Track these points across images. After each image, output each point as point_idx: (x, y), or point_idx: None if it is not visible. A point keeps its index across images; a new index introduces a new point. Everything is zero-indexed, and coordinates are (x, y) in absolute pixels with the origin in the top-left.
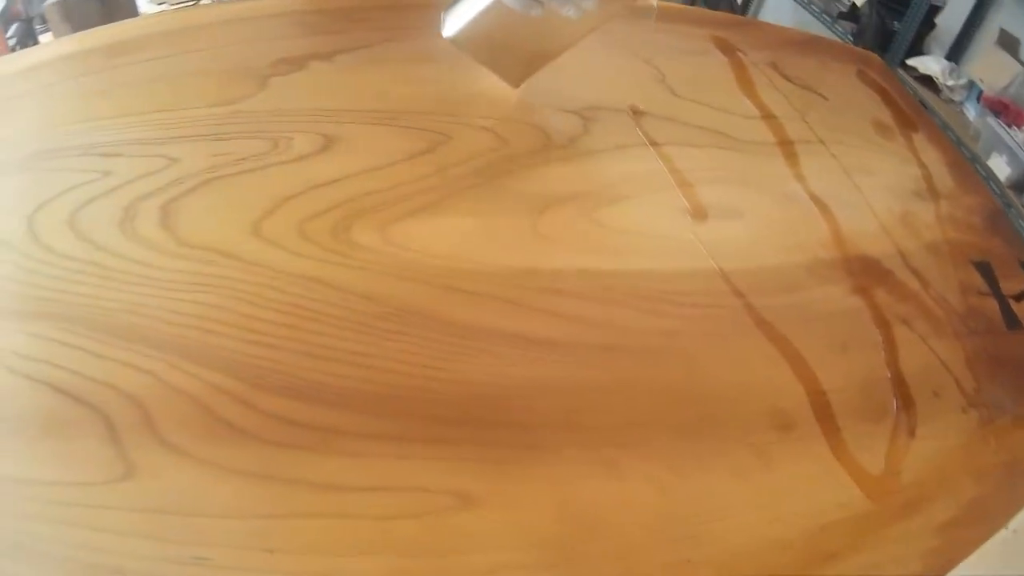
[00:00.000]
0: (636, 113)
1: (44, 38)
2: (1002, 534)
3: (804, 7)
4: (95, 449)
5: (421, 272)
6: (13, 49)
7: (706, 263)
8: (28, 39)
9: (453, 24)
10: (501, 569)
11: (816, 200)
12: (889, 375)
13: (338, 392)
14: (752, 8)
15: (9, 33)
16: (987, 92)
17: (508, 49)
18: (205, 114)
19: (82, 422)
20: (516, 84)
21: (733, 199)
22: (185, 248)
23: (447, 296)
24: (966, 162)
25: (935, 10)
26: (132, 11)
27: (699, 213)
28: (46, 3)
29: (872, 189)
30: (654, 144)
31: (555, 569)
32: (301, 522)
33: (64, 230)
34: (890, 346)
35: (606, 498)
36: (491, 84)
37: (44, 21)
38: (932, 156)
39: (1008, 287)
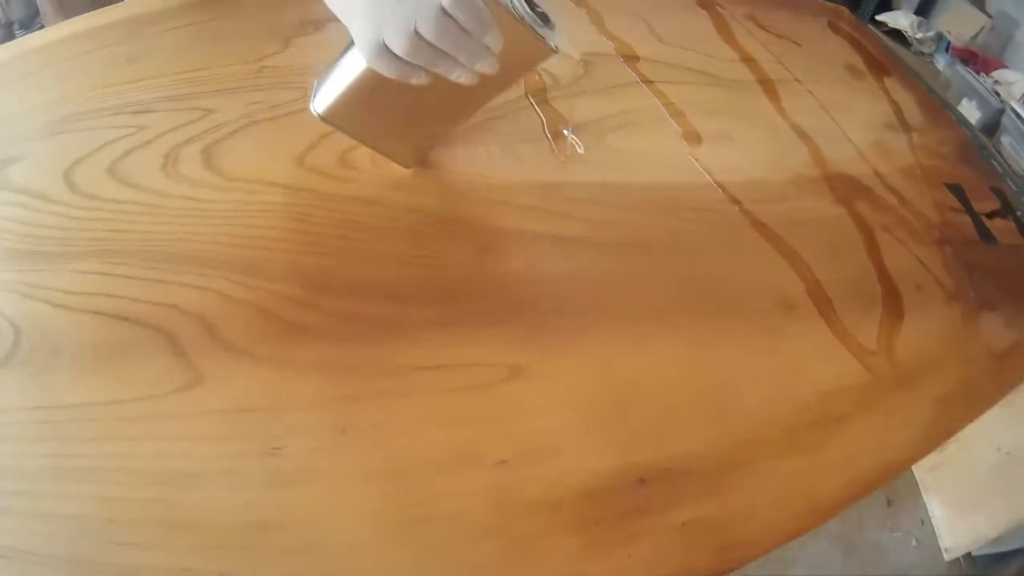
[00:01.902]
0: (629, 57)
1: None
2: (995, 456)
3: None
4: (159, 365)
5: (458, 188)
6: None
7: (703, 178)
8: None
9: (323, 98)
10: (550, 431)
11: (796, 129)
12: (874, 270)
13: (395, 287)
14: None
15: None
16: (955, 43)
17: (391, 126)
18: (234, 71)
19: (142, 342)
20: (408, 165)
21: (722, 126)
22: (232, 182)
23: (483, 206)
24: (935, 101)
25: None
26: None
27: (693, 138)
28: None
29: (848, 122)
30: (647, 82)
31: (597, 430)
32: (369, 403)
33: (105, 179)
34: (873, 247)
35: (639, 370)
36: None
37: (23, 26)
38: (903, 96)
39: (980, 207)
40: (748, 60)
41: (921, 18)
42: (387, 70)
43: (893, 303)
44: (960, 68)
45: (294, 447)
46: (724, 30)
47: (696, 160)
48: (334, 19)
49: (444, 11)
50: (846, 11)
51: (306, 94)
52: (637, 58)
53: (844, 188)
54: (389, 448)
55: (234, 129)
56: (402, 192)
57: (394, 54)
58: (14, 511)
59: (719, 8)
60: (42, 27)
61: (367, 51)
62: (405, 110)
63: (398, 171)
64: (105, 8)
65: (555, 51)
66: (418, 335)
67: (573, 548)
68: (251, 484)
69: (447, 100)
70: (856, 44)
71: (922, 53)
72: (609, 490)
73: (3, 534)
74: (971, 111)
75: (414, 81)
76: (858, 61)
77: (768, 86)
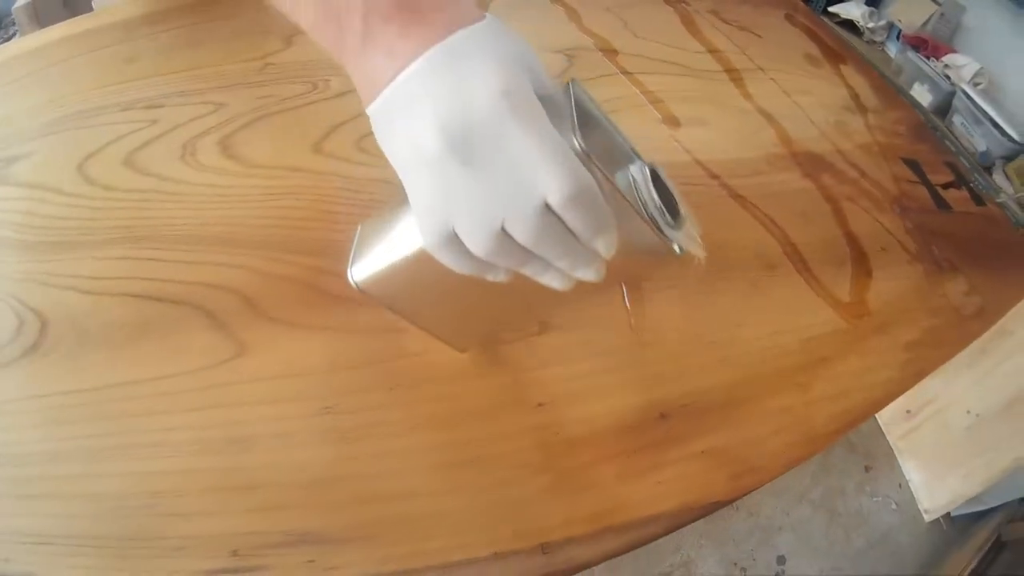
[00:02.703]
0: (608, 51)
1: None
2: (966, 419)
3: None
4: (199, 340)
5: None
6: None
7: (684, 156)
8: None
9: (364, 266)
10: (579, 376)
11: (763, 113)
12: (843, 235)
13: None
14: None
15: None
16: (906, 31)
17: (448, 312)
18: (238, 68)
19: (178, 319)
20: (463, 350)
21: (697, 112)
22: (253, 169)
23: None
24: (889, 85)
25: None
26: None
27: (672, 122)
28: (15, 6)
29: (809, 105)
30: (626, 73)
31: (620, 373)
32: (410, 361)
33: (121, 170)
34: (840, 215)
35: (648, 319)
36: None
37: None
38: (858, 81)
39: (935, 180)
40: (715, 51)
41: (872, 8)
42: (455, 265)
43: (862, 262)
44: (911, 54)
45: (346, 406)
46: (690, 24)
47: (678, 142)
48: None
49: (548, 209)
50: (801, 4)
51: (315, 87)
52: (615, 51)
53: (810, 164)
54: (436, 400)
55: (248, 121)
56: None
57: (467, 248)
58: (54, 495)
59: (684, 4)
60: (13, 36)
61: (431, 242)
62: (467, 299)
63: None
64: (96, 12)
65: (678, 255)
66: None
67: (610, 478)
68: (308, 443)
69: (526, 298)
70: (812, 34)
71: (874, 41)
72: (636, 425)
73: (46, 520)
74: (923, 95)
75: (490, 278)
76: (815, 50)
77: (734, 75)
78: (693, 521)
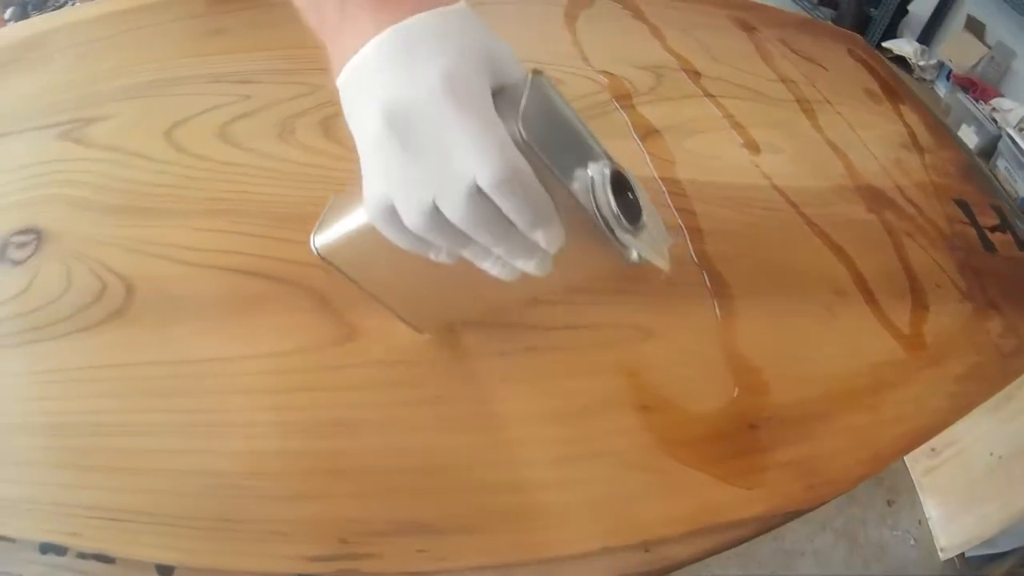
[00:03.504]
0: (691, 72)
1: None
2: (988, 460)
3: None
4: (305, 320)
5: None
6: None
7: (764, 182)
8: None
9: (326, 233)
10: (678, 383)
11: (831, 144)
12: (903, 268)
13: None
14: None
15: (7, 15)
16: (956, 71)
17: (403, 288)
18: None
19: (281, 297)
20: (421, 330)
21: (774, 139)
22: (352, 152)
23: None
24: (941, 124)
25: None
26: None
27: (752, 147)
28: None
29: (871, 140)
30: (709, 96)
31: (715, 384)
32: (522, 356)
33: (215, 142)
34: (900, 250)
35: (739, 335)
36: (585, 42)
37: (36, 7)
38: (914, 119)
39: (983, 221)
40: (786, 80)
41: (924, 46)
42: (396, 239)
43: (919, 296)
44: (960, 95)
45: (458, 395)
46: (763, 52)
47: (758, 167)
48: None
49: (480, 192)
50: (860, 39)
51: None
52: (698, 73)
53: (873, 198)
54: (547, 396)
55: None
56: None
57: (404, 223)
58: (134, 470)
59: (755, 32)
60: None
61: (372, 213)
62: (420, 279)
63: None
64: None
65: (635, 264)
66: (564, 297)
67: (705, 481)
68: (417, 430)
69: (476, 285)
70: (872, 70)
71: (924, 79)
72: (729, 434)
73: (121, 494)
74: (969, 136)
75: (432, 257)
76: (874, 86)
77: (805, 105)
78: (776, 527)
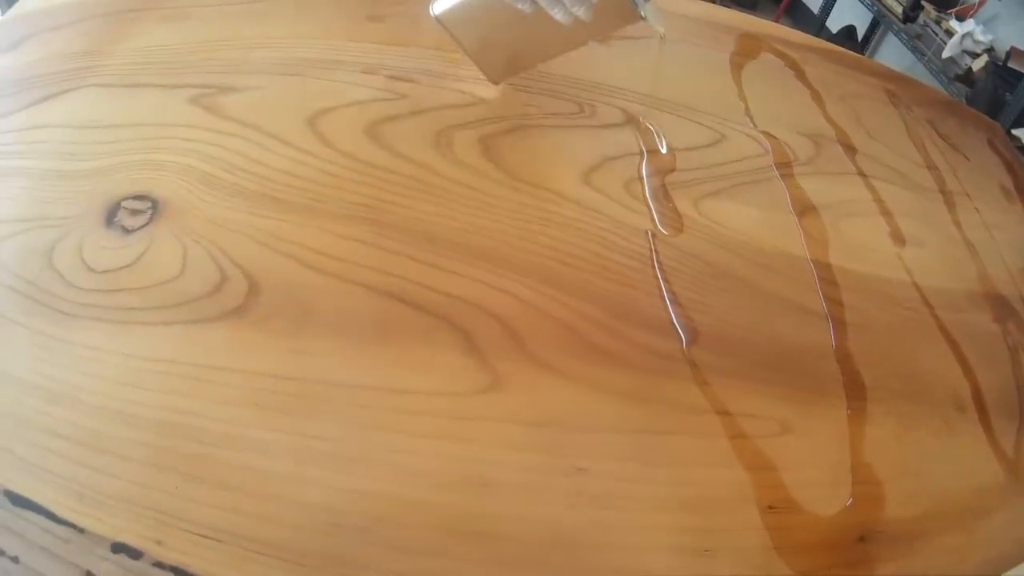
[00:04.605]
0: (848, 147)
1: None
2: None
3: (923, 63)
4: (450, 360)
5: (731, 244)
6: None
7: (905, 276)
8: None
9: (444, 2)
10: (808, 485)
11: (968, 244)
12: (1016, 387)
13: (687, 330)
14: (868, 51)
15: None
16: None
17: (494, 43)
18: None
19: (429, 331)
20: (496, 80)
21: (917, 231)
22: (517, 182)
23: (751, 267)
24: None
25: None
26: None
27: (898, 238)
28: None
29: (1003, 243)
30: (863, 175)
31: (838, 487)
32: (666, 438)
33: (363, 139)
34: (1018, 368)
35: (866, 439)
36: (751, 97)
37: None
38: None
39: None
40: (932, 168)
41: None
42: None
43: None
44: None
45: (598, 470)
46: (912, 133)
47: (901, 260)
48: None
49: None
50: (1000, 129)
51: (581, 110)
52: (855, 149)
53: (1000, 307)
54: (681, 484)
55: (511, 127)
56: (686, 237)
57: None
58: (239, 488)
59: (906, 108)
60: None
61: None
62: (507, 31)
63: (677, 213)
64: None
65: (642, 18)
66: (705, 378)
67: None
68: (555, 501)
69: (540, 33)
70: (1008, 166)
71: None
72: (839, 543)
73: (233, 517)
74: None
75: (521, 6)
76: (1009, 183)
77: (948, 197)
78: None
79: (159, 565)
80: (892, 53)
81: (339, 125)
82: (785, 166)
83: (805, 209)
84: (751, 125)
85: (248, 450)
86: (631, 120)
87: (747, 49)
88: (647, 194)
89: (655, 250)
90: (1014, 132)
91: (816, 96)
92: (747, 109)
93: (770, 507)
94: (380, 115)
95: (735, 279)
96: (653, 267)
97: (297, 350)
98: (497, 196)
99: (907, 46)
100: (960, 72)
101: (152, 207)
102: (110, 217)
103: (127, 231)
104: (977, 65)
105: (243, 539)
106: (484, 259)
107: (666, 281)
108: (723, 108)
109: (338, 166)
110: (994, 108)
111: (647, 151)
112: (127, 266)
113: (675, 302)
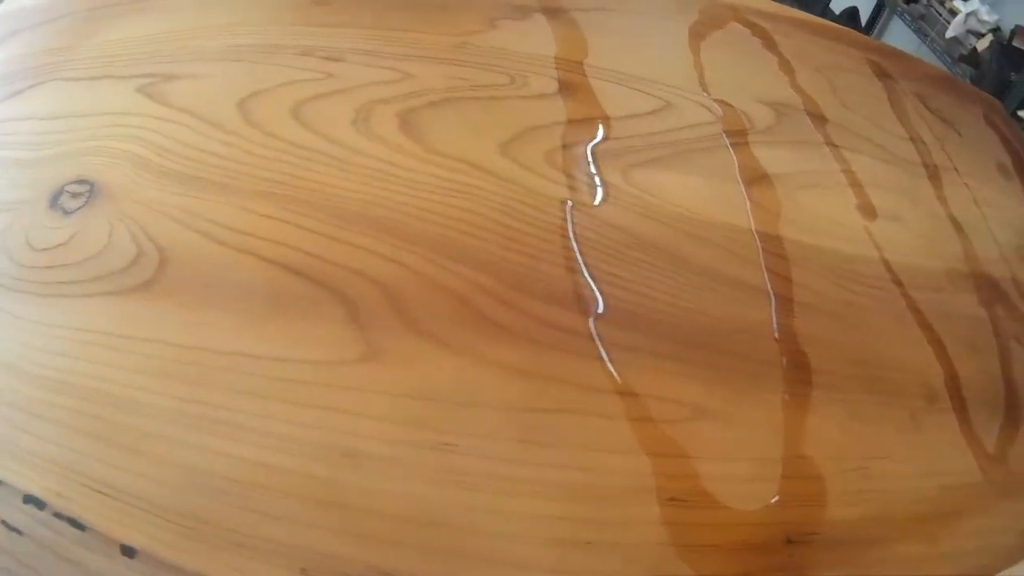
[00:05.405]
0: (817, 117)
1: None
2: None
3: (927, 44)
4: (331, 330)
5: (661, 215)
6: None
7: (872, 252)
8: None
9: None
10: (721, 478)
11: (953, 221)
12: (1002, 377)
13: (595, 303)
14: (873, 35)
15: None
16: None
17: None
18: (434, 40)
19: (316, 301)
20: None
21: (893, 205)
22: (430, 155)
23: (682, 239)
24: None
25: None
26: None
27: (867, 211)
28: None
29: (994, 221)
30: (831, 145)
31: (769, 483)
32: (554, 417)
33: (287, 119)
34: (1005, 355)
35: (805, 428)
36: (705, 65)
37: None
38: None
39: None
40: (916, 140)
41: None
42: None
43: (1014, 413)
44: None
45: (469, 447)
46: (896, 105)
47: (869, 234)
48: (541, 9)
49: None
50: (999, 105)
51: (512, 81)
52: (824, 119)
53: (988, 289)
54: (567, 468)
55: (435, 100)
56: (609, 207)
57: None
58: (133, 449)
59: (892, 81)
60: None
61: None
62: None
63: (603, 182)
64: None
65: None
66: (611, 356)
67: None
68: (419, 477)
69: None
70: (1006, 142)
71: None
72: (761, 545)
73: (125, 476)
74: None
75: None
76: (1007, 160)
77: (932, 171)
78: None
79: (59, 516)
80: (898, 37)
81: (267, 107)
82: (738, 134)
83: (756, 178)
84: (704, 94)
85: (145, 415)
86: (565, 90)
87: (712, 18)
88: (570, 164)
89: (571, 221)
90: (1020, 113)
91: (786, 66)
92: (702, 78)
93: (672, 499)
94: (306, 95)
95: (660, 251)
96: (565, 238)
97: (196, 322)
98: (407, 169)
99: (911, 27)
100: (964, 53)
101: (90, 190)
102: (54, 200)
103: (66, 213)
104: (982, 45)
105: (132, 496)
106: (380, 230)
107: (581, 253)
108: (674, 77)
109: (260, 146)
110: (1000, 89)
111: (576, 120)
112: (63, 244)
113: (585, 274)
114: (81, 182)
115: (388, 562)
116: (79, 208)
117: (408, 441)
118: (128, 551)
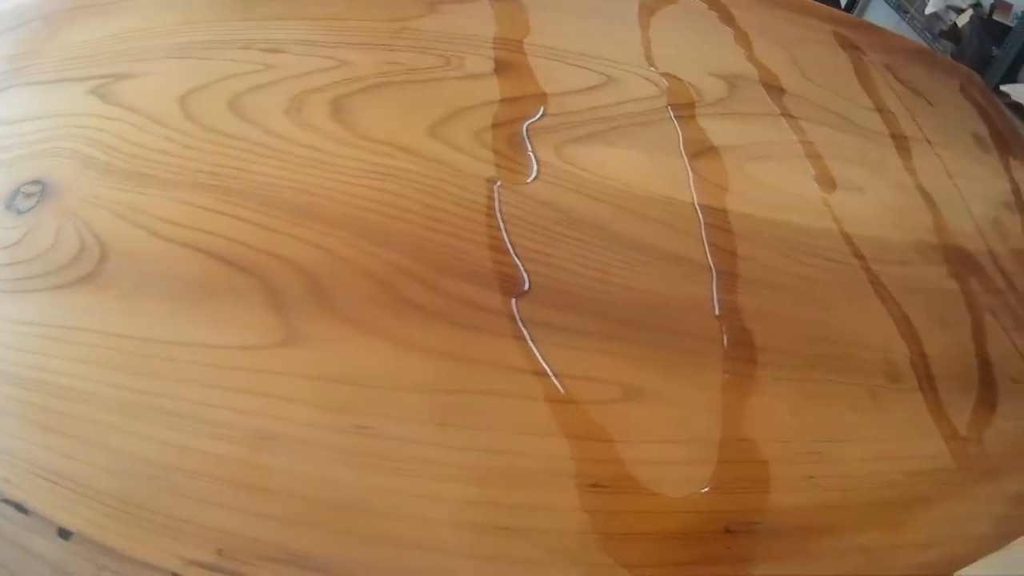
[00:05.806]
0: (773, 88)
1: None
2: None
3: (906, 21)
4: (255, 316)
5: (595, 190)
6: None
7: (831, 225)
8: None
9: None
10: (649, 462)
11: (923, 192)
12: (976, 354)
13: (518, 283)
14: (855, 14)
15: None
16: None
17: None
18: (373, 27)
19: (240, 288)
20: None
21: (854, 176)
22: (359, 139)
23: (618, 214)
24: None
25: None
26: None
27: (826, 182)
28: None
29: (969, 193)
30: (788, 116)
31: (695, 469)
32: (473, 398)
33: (224, 113)
34: (978, 331)
35: (748, 411)
36: (653, 40)
37: None
38: (1022, 175)
39: None
40: (884, 111)
41: None
42: None
43: (988, 392)
44: None
45: (386, 430)
46: (863, 76)
47: (828, 206)
48: None
49: None
50: (978, 78)
51: (447, 63)
52: (781, 90)
53: (960, 262)
54: (487, 451)
55: (367, 85)
56: (540, 184)
57: None
58: (80, 438)
59: (860, 52)
60: None
61: None
62: None
63: (534, 160)
64: None
65: None
66: (536, 336)
67: None
68: (336, 461)
69: None
70: (984, 114)
71: None
72: (696, 535)
73: (67, 462)
74: None
75: None
76: (984, 132)
77: (900, 142)
78: None
79: (6, 501)
80: (878, 14)
81: (206, 101)
82: (685, 107)
83: (702, 151)
84: (651, 68)
85: (82, 402)
86: (501, 69)
87: None
88: (501, 143)
89: (498, 199)
90: (1003, 88)
91: (743, 38)
92: (648, 52)
93: (594, 485)
94: (244, 87)
95: (591, 226)
96: (491, 217)
97: (131, 312)
98: (336, 155)
99: (890, 5)
100: (945, 28)
101: (42, 190)
102: (10, 201)
103: (20, 212)
104: (962, 20)
105: (72, 482)
106: (306, 216)
107: (507, 232)
108: (618, 52)
109: (199, 139)
110: (981, 64)
111: (510, 98)
112: (16, 242)
113: (512, 253)
114: (34, 183)
115: (303, 544)
116: (31, 208)
117: (327, 424)
118: (64, 533)
